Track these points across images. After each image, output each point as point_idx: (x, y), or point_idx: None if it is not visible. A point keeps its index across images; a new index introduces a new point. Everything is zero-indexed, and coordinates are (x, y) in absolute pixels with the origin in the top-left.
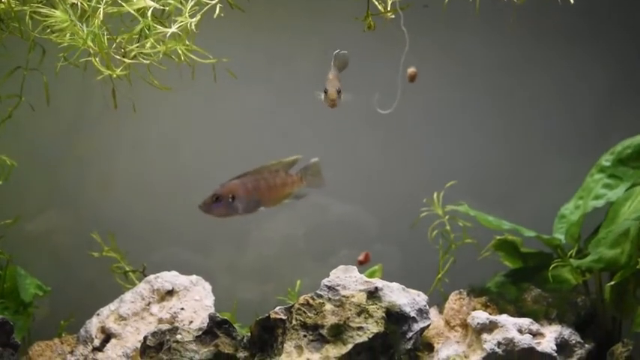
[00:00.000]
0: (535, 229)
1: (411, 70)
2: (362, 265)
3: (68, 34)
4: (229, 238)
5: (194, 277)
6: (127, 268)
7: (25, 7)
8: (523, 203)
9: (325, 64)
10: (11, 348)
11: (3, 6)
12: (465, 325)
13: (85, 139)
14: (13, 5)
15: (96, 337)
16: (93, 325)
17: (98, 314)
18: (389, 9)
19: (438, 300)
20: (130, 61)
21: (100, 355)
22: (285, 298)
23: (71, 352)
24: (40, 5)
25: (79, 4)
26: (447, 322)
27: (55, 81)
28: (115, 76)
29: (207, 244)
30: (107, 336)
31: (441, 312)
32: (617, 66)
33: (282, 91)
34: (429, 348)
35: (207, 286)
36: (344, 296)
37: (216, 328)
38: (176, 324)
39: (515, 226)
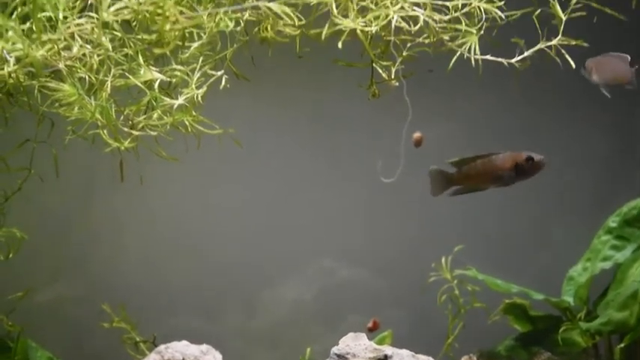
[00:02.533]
0: (544, 291)
1: (417, 135)
2: (371, 332)
3: (76, 108)
4: (239, 304)
5: (204, 347)
6: (138, 339)
7: (33, 82)
8: (531, 266)
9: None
10: None
11: (12, 81)
12: None
13: (94, 210)
14: (22, 80)
15: None
16: None
17: None
18: (393, 77)
19: None
20: (137, 132)
21: None
22: None
23: None
24: (48, 79)
25: (86, 77)
26: None
27: (63, 153)
28: (122, 148)
29: (216, 311)
30: None
31: None
32: (620, 128)
33: (289, 159)
34: None
35: (218, 355)
36: None
37: None
38: None
39: (523, 289)
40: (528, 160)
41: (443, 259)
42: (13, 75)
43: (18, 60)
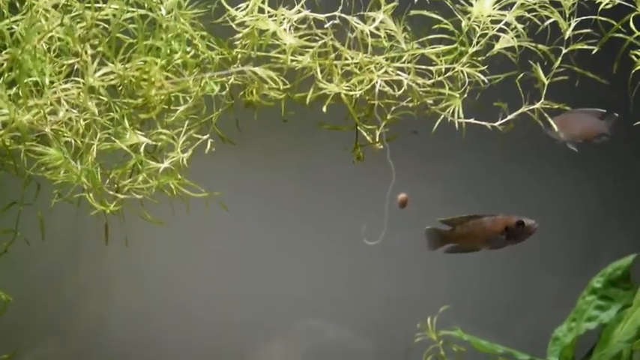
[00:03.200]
0: (529, 351)
1: (402, 196)
2: None
3: (62, 171)
4: None
5: None
6: None
7: (20, 146)
8: (517, 326)
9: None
10: None
11: None
12: None
13: (80, 271)
14: (8, 144)
15: None
16: None
17: None
18: (377, 140)
19: None
20: (122, 196)
21: None
22: None
23: None
24: (34, 143)
25: (72, 141)
26: None
27: (49, 216)
28: (108, 211)
29: None
30: None
31: None
32: (603, 188)
33: (274, 221)
34: None
35: None
36: None
37: None
38: None
39: (509, 350)
40: (519, 225)
41: (428, 320)
42: None
43: (4, 124)
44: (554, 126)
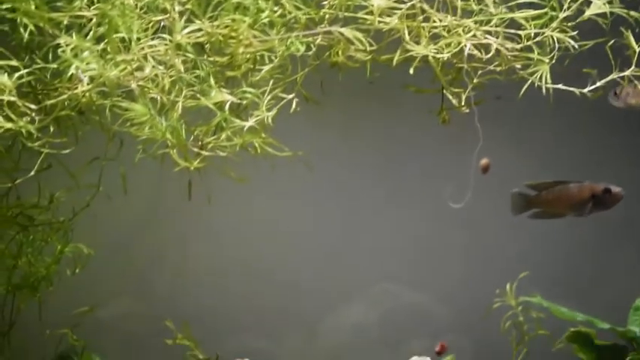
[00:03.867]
0: (610, 320)
1: (484, 161)
2: (439, 355)
3: (147, 127)
4: (301, 326)
5: None
6: (201, 357)
7: (106, 101)
8: (597, 295)
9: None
10: None
11: (85, 100)
12: None
13: (160, 228)
14: (95, 99)
15: None
16: None
17: None
18: (463, 103)
19: None
20: (206, 153)
21: None
22: None
23: None
24: (120, 99)
25: (158, 98)
26: None
27: (132, 172)
28: (192, 168)
29: (278, 333)
30: None
31: None
32: None
33: (357, 183)
34: None
35: None
36: None
37: None
38: None
39: (589, 318)
40: (606, 192)
41: (507, 286)
42: (86, 94)
43: (92, 79)
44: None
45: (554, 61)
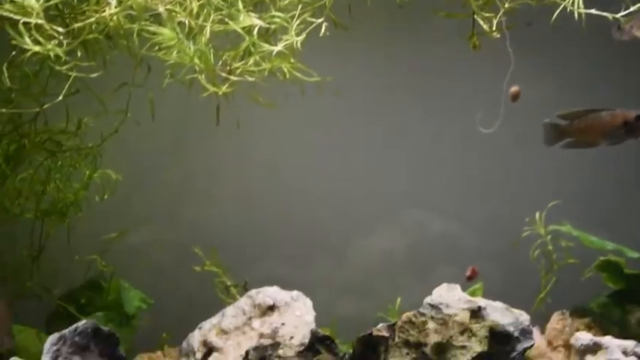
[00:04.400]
0: (639, 250)
1: (514, 88)
2: (470, 280)
3: (175, 52)
4: (329, 253)
5: (295, 293)
6: (229, 283)
7: (133, 25)
8: (627, 224)
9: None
10: (117, 359)
11: (113, 24)
12: (567, 346)
13: (188, 154)
14: (122, 23)
15: (198, 350)
16: (195, 338)
17: (200, 328)
18: (494, 28)
19: (539, 320)
20: (235, 78)
21: None
22: (384, 315)
23: None
24: (148, 23)
25: (186, 22)
26: (549, 343)
27: (160, 97)
28: (220, 93)
29: (306, 259)
30: (209, 349)
31: (542, 332)
32: None
33: (386, 108)
34: None
35: (308, 302)
36: (447, 315)
37: (318, 343)
38: (277, 339)
39: (618, 247)
40: (638, 119)
41: (537, 214)
42: (114, 18)
43: (119, 3)
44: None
45: None
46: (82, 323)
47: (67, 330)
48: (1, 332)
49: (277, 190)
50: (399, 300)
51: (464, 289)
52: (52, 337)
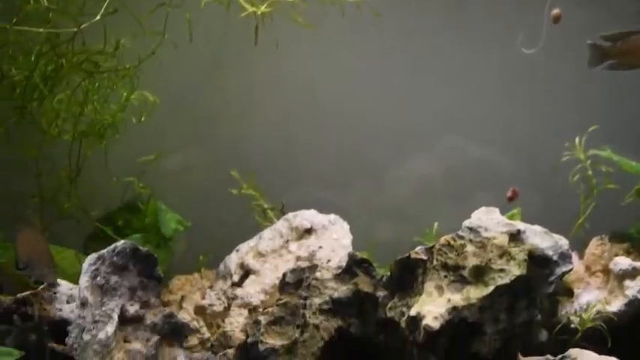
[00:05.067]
0: None
1: (556, 11)
2: (510, 201)
3: None
4: (367, 177)
5: (332, 216)
6: (266, 206)
7: None
8: None
9: None
10: (155, 280)
11: None
12: (606, 272)
13: (225, 75)
14: None
15: (235, 272)
16: (232, 261)
17: (237, 250)
18: None
19: (577, 246)
20: None
21: (238, 290)
22: (422, 239)
23: (210, 287)
24: None
25: None
26: (588, 268)
27: (198, 18)
28: (258, 13)
29: (344, 183)
30: (246, 272)
31: (581, 258)
32: None
33: (424, 30)
34: (569, 293)
35: (345, 226)
36: (486, 238)
37: (355, 266)
38: (314, 262)
39: None
40: None
41: (577, 139)
42: None
43: None
44: None
45: None
46: (120, 243)
47: (106, 250)
48: (43, 266)
49: (315, 113)
50: (436, 224)
51: (503, 212)
52: (91, 257)
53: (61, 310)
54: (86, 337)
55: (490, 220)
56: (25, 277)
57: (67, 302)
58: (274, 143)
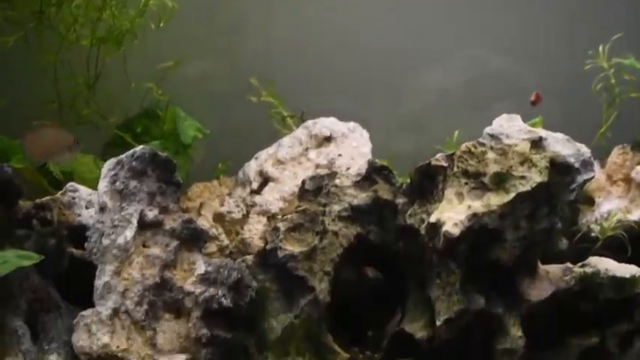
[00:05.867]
0: None
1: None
2: (534, 105)
3: None
4: (385, 88)
5: (352, 124)
6: (285, 114)
7: None
8: None
9: None
10: (174, 185)
11: None
12: (627, 180)
13: None
14: None
15: (254, 179)
16: (251, 168)
17: (256, 158)
18: None
19: (599, 155)
20: None
21: (257, 197)
22: (442, 147)
23: (229, 194)
24: None
25: None
26: (609, 177)
27: None
28: None
29: (363, 94)
30: (265, 179)
31: (602, 166)
32: None
33: None
34: (590, 202)
35: (365, 134)
36: (507, 145)
37: (374, 173)
38: (333, 170)
39: None
40: None
41: (600, 47)
42: None
43: None
44: None
45: None
46: (139, 148)
47: (125, 155)
48: (63, 149)
49: (334, 25)
50: (456, 133)
51: (525, 120)
52: (110, 162)
53: (79, 215)
54: (105, 241)
55: (511, 127)
56: (43, 182)
57: (86, 207)
58: (294, 55)
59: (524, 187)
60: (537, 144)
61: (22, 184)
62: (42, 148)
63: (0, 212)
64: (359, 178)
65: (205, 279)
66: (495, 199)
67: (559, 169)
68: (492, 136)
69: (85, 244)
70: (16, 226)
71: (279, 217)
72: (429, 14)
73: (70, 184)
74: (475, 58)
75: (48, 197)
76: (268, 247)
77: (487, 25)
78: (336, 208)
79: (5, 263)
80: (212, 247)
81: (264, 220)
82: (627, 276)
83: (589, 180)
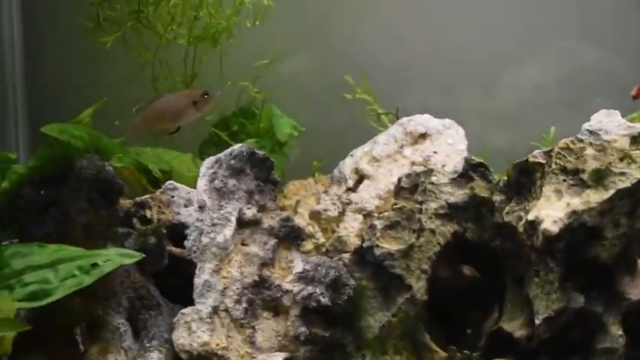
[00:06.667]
0: None
1: None
2: (635, 99)
3: None
4: (479, 83)
5: (447, 121)
6: (380, 111)
7: None
8: None
9: None
10: (271, 183)
11: None
12: None
13: None
14: None
15: (349, 177)
16: (347, 165)
17: (352, 155)
18: None
19: None
20: None
21: (353, 195)
22: (538, 144)
23: (325, 192)
24: None
25: None
26: None
27: None
28: None
29: (457, 90)
30: (360, 177)
31: None
32: None
33: None
34: None
35: (460, 131)
36: (606, 141)
37: (471, 170)
38: (429, 167)
39: None
40: None
41: None
42: None
43: None
44: None
45: None
46: (237, 146)
47: (223, 153)
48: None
49: (427, 16)
50: (553, 129)
51: (624, 116)
52: (209, 161)
53: (179, 213)
54: (205, 240)
55: (610, 123)
56: (142, 180)
57: (185, 206)
58: (388, 51)
59: (624, 183)
60: (637, 139)
61: (122, 183)
62: (167, 115)
63: (102, 211)
64: (455, 176)
65: (303, 277)
66: (594, 196)
67: None
68: (591, 132)
69: (185, 242)
70: (117, 225)
71: (376, 214)
72: (523, 7)
73: (169, 183)
74: (571, 51)
75: (147, 195)
76: (365, 245)
77: (583, 15)
78: (433, 205)
79: (108, 261)
80: (308, 245)
81: (360, 217)
82: None
83: None
